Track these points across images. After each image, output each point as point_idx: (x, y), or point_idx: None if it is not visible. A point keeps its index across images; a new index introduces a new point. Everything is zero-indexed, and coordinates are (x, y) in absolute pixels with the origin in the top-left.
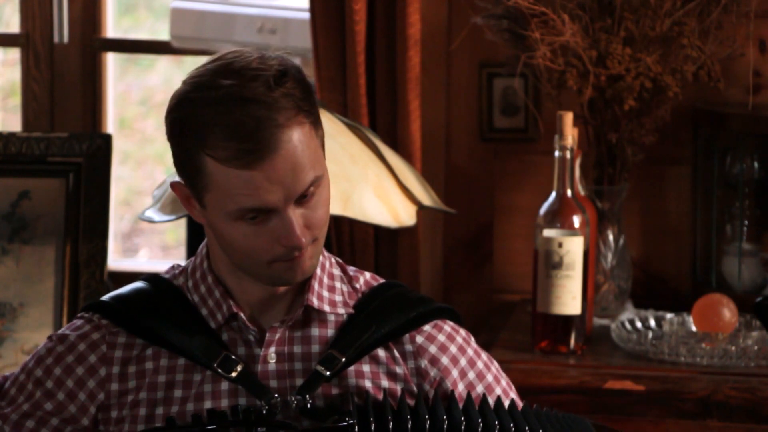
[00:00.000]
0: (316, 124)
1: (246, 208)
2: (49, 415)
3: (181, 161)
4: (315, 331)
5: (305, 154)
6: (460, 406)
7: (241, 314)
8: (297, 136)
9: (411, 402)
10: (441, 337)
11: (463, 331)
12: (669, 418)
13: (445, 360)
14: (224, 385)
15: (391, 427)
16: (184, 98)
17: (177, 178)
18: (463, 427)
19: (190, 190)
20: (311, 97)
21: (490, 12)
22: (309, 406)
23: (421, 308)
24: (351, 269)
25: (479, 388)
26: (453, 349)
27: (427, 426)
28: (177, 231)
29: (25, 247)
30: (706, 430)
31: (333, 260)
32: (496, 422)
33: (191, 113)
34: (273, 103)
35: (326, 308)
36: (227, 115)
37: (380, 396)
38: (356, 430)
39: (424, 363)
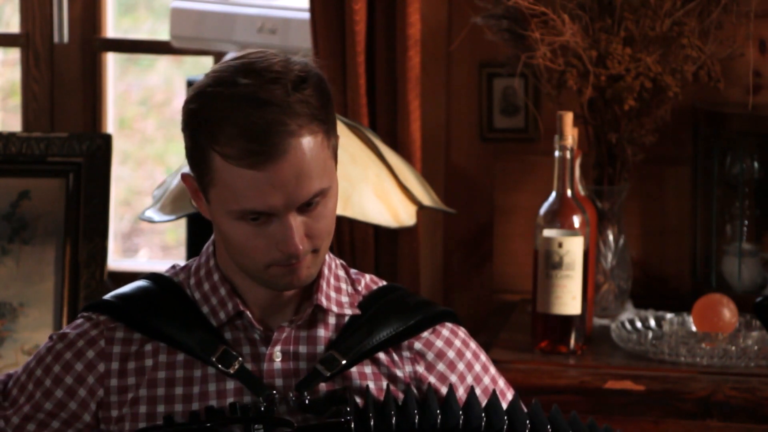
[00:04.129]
0: (330, 135)
1: (247, 209)
2: (50, 417)
3: (191, 153)
4: (321, 332)
5: (313, 164)
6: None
7: (247, 312)
8: (307, 144)
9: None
10: (438, 343)
11: (461, 333)
12: (669, 418)
13: (441, 367)
14: (230, 384)
15: (394, 422)
16: (203, 91)
17: (188, 170)
18: (483, 424)
19: (198, 184)
20: (329, 107)
21: (490, 12)
22: (307, 402)
23: (420, 315)
24: (353, 272)
25: (476, 392)
26: (451, 354)
27: (438, 421)
28: (177, 231)
29: (25, 247)
30: (706, 430)
31: (337, 262)
32: (528, 422)
33: (206, 106)
34: (287, 107)
35: (334, 308)
36: (240, 114)
37: (381, 397)
38: (352, 425)
39: (421, 369)
